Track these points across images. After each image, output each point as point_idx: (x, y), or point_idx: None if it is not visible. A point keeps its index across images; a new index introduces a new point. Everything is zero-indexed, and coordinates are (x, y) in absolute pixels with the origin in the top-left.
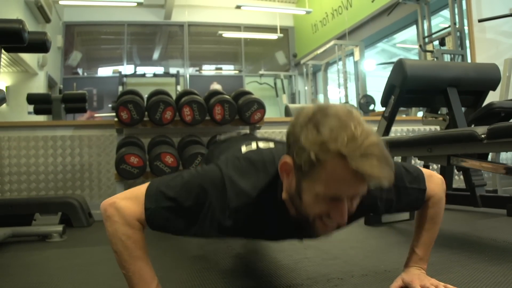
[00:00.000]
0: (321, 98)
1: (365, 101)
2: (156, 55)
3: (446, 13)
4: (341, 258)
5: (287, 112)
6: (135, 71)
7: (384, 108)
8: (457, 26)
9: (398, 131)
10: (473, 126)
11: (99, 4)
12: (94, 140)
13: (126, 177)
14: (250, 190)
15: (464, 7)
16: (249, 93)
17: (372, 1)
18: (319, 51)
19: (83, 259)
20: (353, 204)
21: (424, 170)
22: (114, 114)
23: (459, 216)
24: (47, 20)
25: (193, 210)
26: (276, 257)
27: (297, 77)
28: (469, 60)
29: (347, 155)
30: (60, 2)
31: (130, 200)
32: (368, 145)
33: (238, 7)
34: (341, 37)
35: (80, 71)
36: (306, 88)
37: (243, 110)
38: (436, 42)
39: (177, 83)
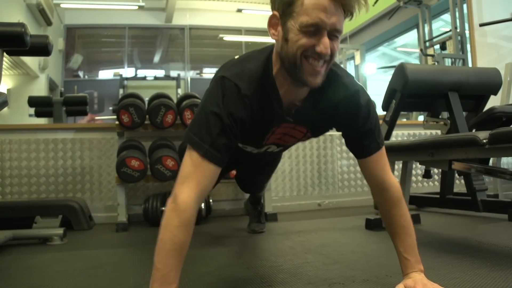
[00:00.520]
0: None
1: None
2: (157, 58)
3: (447, 17)
4: (342, 262)
5: None
6: (136, 74)
7: (385, 112)
8: (458, 30)
9: (399, 135)
10: (474, 130)
11: (100, 7)
12: (95, 143)
13: (127, 180)
14: (254, 68)
15: (465, 11)
16: None
17: (373, 5)
18: None
19: (83, 262)
20: (334, 43)
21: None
22: (115, 117)
23: (460, 221)
24: (49, 23)
25: (222, 105)
26: (277, 261)
27: None
28: (470, 65)
29: None
30: (62, 5)
31: (185, 180)
32: None
33: (239, 10)
34: (342, 40)
35: (81, 74)
36: None
37: None
38: (437, 46)
39: (178, 86)
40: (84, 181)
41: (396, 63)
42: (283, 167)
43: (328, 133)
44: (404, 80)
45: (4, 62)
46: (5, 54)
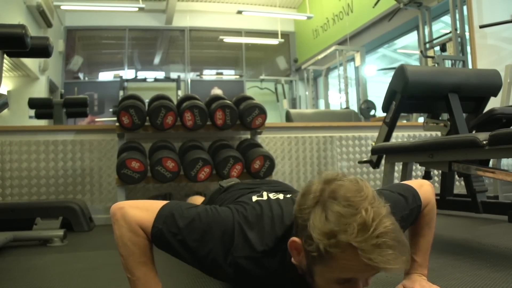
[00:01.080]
0: (321, 104)
1: (366, 107)
2: (157, 60)
3: (447, 19)
4: None
5: (288, 117)
6: (136, 76)
7: (385, 114)
8: (458, 32)
9: (399, 136)
10: (474, 132)
11: (100, 9)
12: (95, 145)
13: (127, 181)
14: (256, 244)
15: (465, 13)
16: (250, 98)
17: (373, 7)
18: (320, 57)
19: (84, 263)
20: (368, 281)
21: (413, 183)
22: (115, 118)
23: (460, 222)
24: (49, 24)
25: (195, 247)
26: None
27: (298, 82)
28: (470, 66)
29: (358, 247)
30: (62, 7)
31: (140, 210)
32: (381, 233)
33: (239, 12)
34: (342, 42)
35: (81, 75)
36: (307, 93)
37: (244, 115)
38: (437, 48)
39: (178, 88)
40: (84, 182)
41: (396, 65)
42: (283, 168)
43: (328, 134)
44: (404, 81)
45: (4, 64)
46: (5, 55)
